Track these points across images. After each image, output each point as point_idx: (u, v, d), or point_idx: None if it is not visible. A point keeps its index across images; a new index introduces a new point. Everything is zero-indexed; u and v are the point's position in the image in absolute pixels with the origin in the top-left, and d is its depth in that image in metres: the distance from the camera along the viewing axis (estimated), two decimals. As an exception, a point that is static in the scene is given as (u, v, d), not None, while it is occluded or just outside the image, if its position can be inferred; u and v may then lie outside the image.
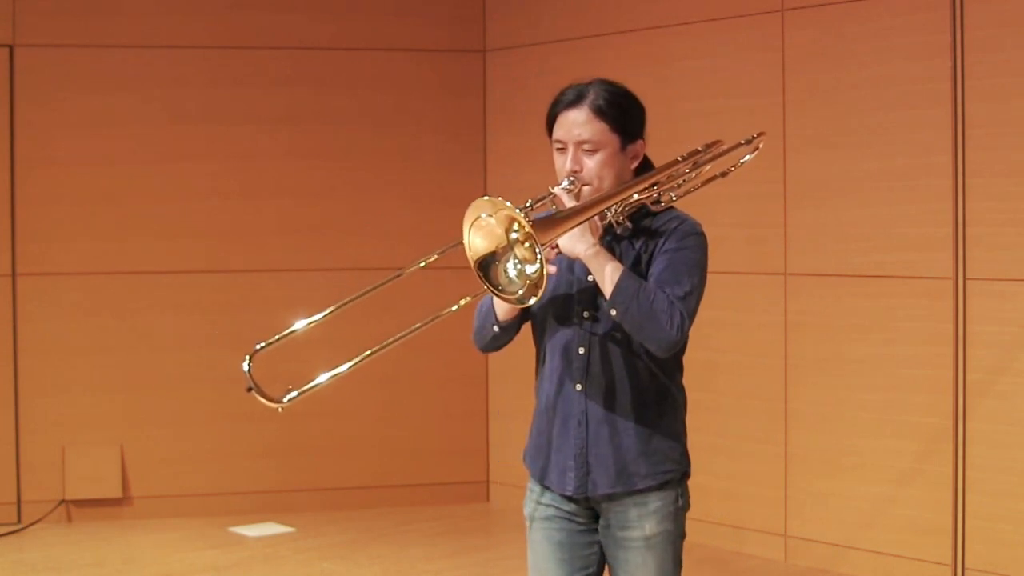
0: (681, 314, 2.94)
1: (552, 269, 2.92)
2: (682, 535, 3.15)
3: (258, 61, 6.80)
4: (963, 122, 5.27)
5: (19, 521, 6.53)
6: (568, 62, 6.65)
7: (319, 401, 6.84)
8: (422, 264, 3.17)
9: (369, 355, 3.08)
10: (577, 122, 3.02)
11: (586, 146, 3.02)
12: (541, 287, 2.79)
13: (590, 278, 3.03)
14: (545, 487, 3.16)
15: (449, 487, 7.03)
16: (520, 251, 2.85)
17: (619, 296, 2.93)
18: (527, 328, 3.19)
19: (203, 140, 6.75)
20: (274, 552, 6.11)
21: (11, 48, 6.53)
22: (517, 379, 6.97)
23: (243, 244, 6.75)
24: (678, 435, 3.12)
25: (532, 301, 2.83)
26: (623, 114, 3.04)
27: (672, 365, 3.10)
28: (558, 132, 3.06)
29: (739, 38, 5.98)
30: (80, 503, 6.63)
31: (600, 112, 3.01)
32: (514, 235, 2.84)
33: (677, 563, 3.13)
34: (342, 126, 6.89)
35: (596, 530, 3.14)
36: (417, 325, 3.12)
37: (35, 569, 5.82)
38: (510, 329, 3.15)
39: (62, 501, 6.60)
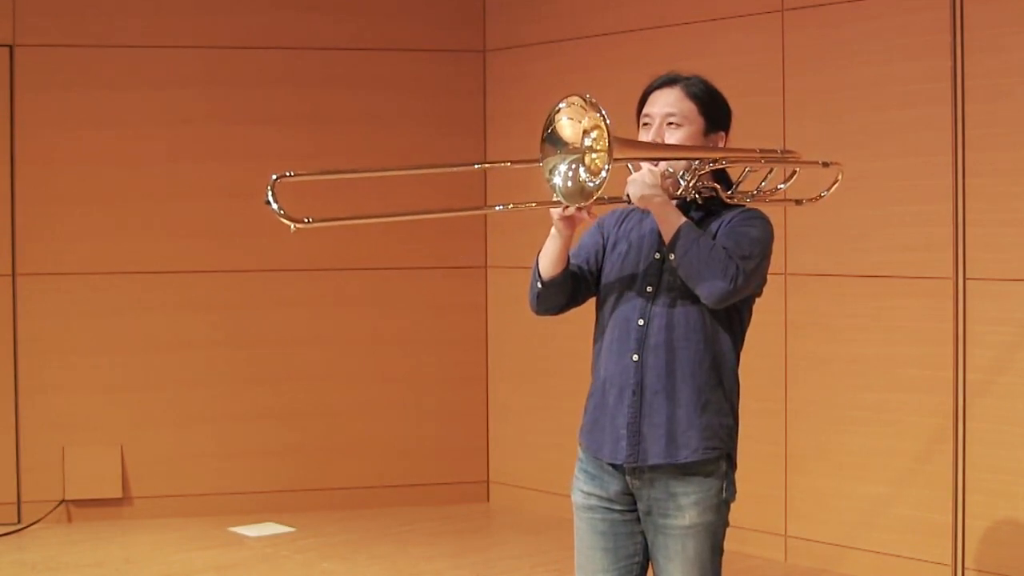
0: (738, 267, 3.03)
1: (585, 215, 3.06)
2: (724, 524, 3.23)
3: (258, 61, 6.79)
4: (963, 122, 5.27)
5: (19, 521, 6.53)
6: (568, 62, 6.65)
7: (319, 401, 6.92)
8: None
9: (403, 215, 3.26)
10: (668, 100, 3.17)
11: (672, 119, 3.15)
12: (589, 197, 2.93)
13: (656, 255, 3.13)
14: (593, 462, 3.20)
15: (449, 487, 7.03)
16: (588, 158, 2.97)
17: (679, 240, 3.02)
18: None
19: (203, 140, 6.74)
20: (274, 552, 6.11)
21: (11, 48, 6.53)
22: (517, 379, 6.99)
23: (243, 244, 6.74)
24: (728, 414, 3.21)
25: (568, 206, 2.99)
26: (712, 102, 3.19)
27: (729, 349, 3.18)
28: (648, 108, 3.20)
29: (739, 38, 5.98)
30: (80, 503, 6.63)
31: (691, 94, 3.17)
32: (588, 141, 2.96)
33: (716, 551, 3.20)
34: (342, 126, 6.88)
35: (638, 519, 3.19)
36: (458, 209, 3.32)
37: (35, 569, 5.82)
38: (553, 288, 3.20)
39: (62, 501, 6.59)
